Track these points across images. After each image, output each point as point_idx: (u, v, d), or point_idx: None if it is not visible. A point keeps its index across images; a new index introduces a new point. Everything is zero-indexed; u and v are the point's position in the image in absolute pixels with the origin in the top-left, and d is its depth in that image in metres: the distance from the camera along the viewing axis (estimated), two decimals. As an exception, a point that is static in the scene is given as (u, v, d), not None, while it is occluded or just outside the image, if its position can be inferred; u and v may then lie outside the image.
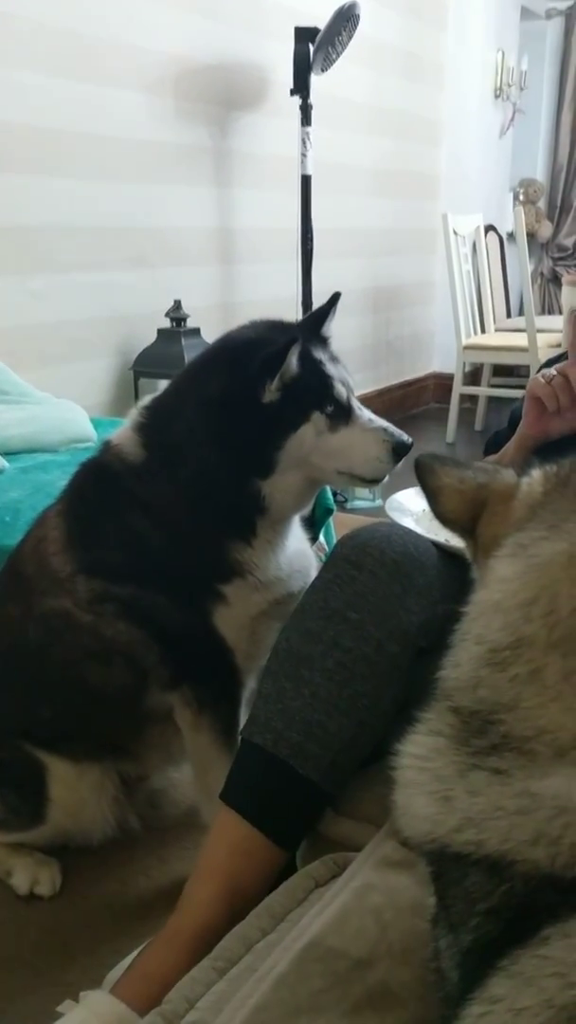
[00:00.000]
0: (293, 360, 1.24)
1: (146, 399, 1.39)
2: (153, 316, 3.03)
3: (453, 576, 1.08)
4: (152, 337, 3.02)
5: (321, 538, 2.63)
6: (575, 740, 0.57)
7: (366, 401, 4.91)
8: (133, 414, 1.35)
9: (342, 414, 1.30)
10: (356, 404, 1.34)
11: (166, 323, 3.01)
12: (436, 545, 1.15)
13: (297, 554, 1.39)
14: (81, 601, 1.31)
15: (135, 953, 1.11)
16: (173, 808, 1.69)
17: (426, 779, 0.63)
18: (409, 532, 1.14)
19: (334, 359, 1.34)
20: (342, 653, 1.06)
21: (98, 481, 1.34)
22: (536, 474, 0.71)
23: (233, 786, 1.11)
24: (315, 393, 1.27)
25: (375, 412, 1.34)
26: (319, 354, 1.31)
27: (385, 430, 1.33)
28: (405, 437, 1.33)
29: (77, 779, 1.40)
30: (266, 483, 1.28)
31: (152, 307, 3.04)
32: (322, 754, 1.05)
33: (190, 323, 3.02)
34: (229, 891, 1.06)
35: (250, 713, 1.12)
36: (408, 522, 1.25)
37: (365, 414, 1.34)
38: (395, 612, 1.06)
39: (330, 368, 1.30)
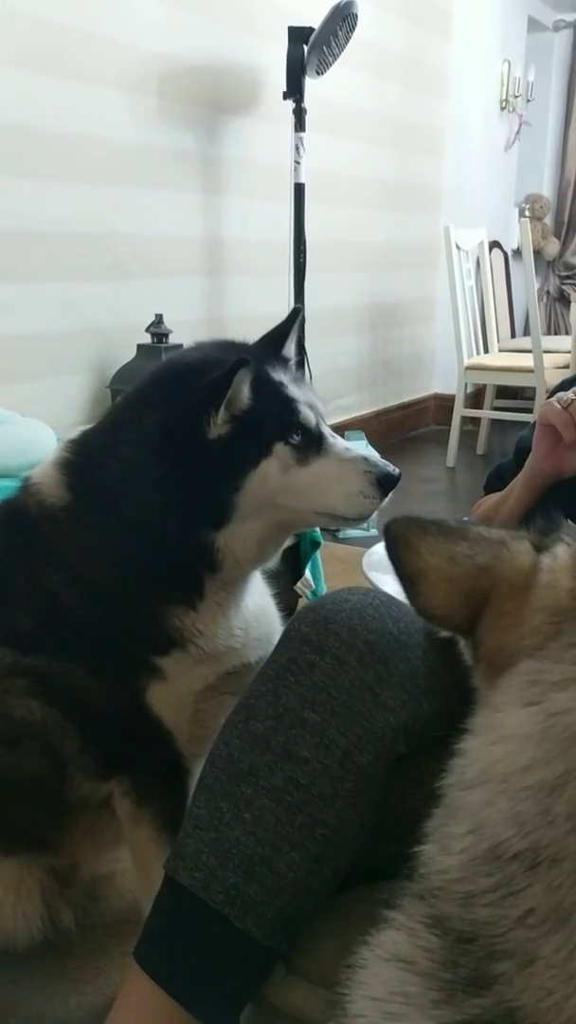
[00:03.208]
0: (243, 388, 1.02)
1: (75, 431, 1.16)
2: (132, 330, 2.84)
3: (449, 660, 0.83)
4: (131, 353, 2.83)
5: (308, 574, 2.40)
6: None
7: (363, 423, 4.69)
8: (58, 448, 1.13)
9: (312, 443, 1.08)
10: (328, 431, 1.12)
11: (146, 338, 2.82)
12: None
13: (257, 615, 1.16)
14: None
15: None
16: (118, 899, 1.45)
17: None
18: (388, 601, 0.89)
19: (299, 381, 1.12)
20: (296, 766, 0.81)
21: (10, 528, 1.12)
22: (563, 556, 0.48)
23: (148, 941, 0.86)
24: (277, 421, 1.06)
25: (372, 435, 1.12)
26: (279, 376, 1.09)
27: (366, 460, 1.11)
28: (391, 467, 1.11)
29: None
30: (221, 534, 1.05)
31: (131, 321, 2.85)
32: (267, 901, 0.80)
33: (172, 339, 2.82)
34: None
35: (177, 839, 0.87)
36: (389, 583, 1.01)
37: (340, 442, 1.12)
38: (367, 711, 0.82)
39: (293, 390, 1.08)
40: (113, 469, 1.06)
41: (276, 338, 1.16)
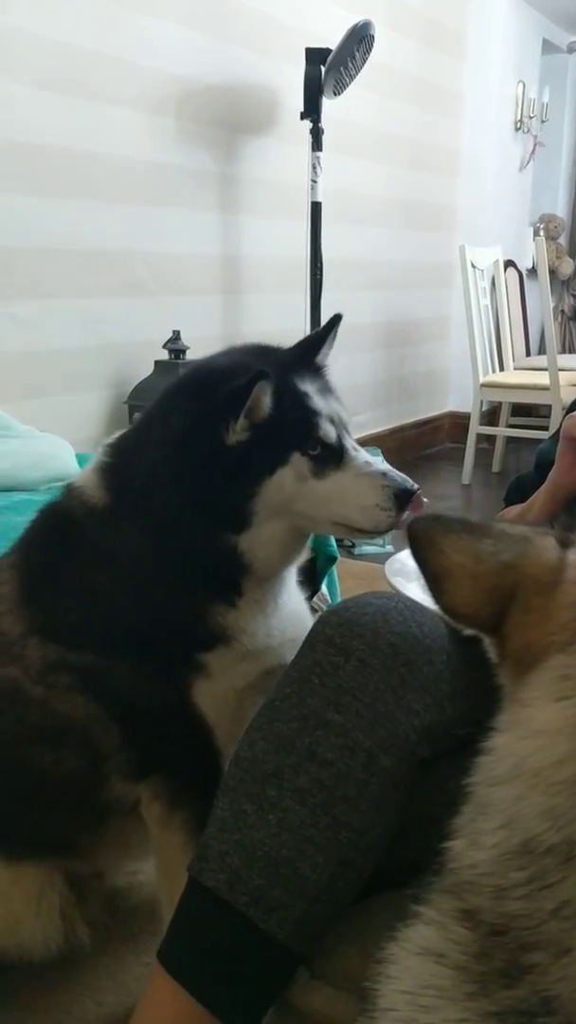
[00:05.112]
0: (264, 399, 1.03)
1: (114, 435, 1.18)
2: (150, 347, 2.86)
3: (471, 663, 0.83)
4: (149, 369, 2.86)
5: (324, 589, 2.40)
6: None
7: (378, 440, 4.71)
8: (98, 452, 1.15)
9: (331, 457, 1.10)
10: (351, 444, 1.13)
11: (164, 355, 2.85)
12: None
13: (292, 618, 1.17)
14: (32, 670, 1.11)
15: None
16: (136, 910, 1.45)
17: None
18: (412, 605, 0.89)
19: (326, 391, 1.13)
20: (320, 768, 0.82)
21: (56, 529, 1.14)
22: (589, 552, 0.48)
23: (173, 943, 0.86)
24: (296, 432, 1.07)
25: (387, 452, 1.12)
26: (306, 386, 1.09)
27: (384, 474, 1.12)
28: (410, 483, 1.12)
29: (10, 885, 1.18)
30: (243, 538, 1.06)
31: (149, 337, 2.88)
32: (291, 903, 0.80)
33: (190, 355, 2.85)
34: None
35: (201, 841, 0.87)
36: (413, 590, 1.01)
37: (361, 456, 1.13)
38: (391, 713, 0.82)
39: (317, 402, 1.09)
40: (142, 470, 1.08)
41: (310, 345, 1.17)
